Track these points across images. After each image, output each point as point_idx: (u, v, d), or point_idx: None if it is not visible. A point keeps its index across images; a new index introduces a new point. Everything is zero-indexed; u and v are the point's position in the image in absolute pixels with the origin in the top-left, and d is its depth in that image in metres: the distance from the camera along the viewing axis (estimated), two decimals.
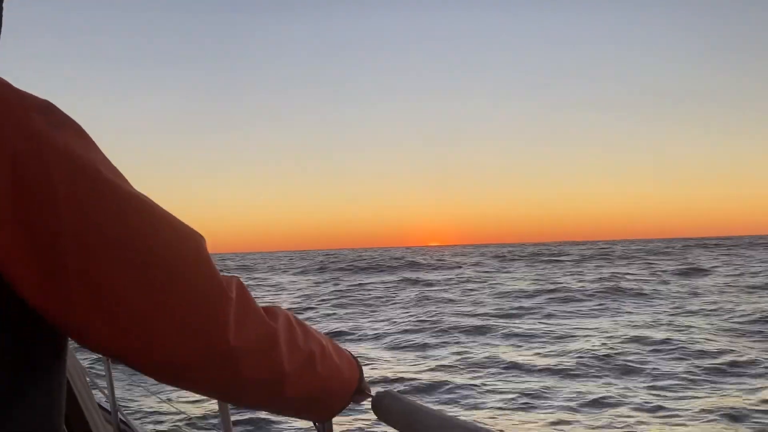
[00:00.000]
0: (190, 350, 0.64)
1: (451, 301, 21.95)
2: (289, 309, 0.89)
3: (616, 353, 11.46)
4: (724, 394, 8.72)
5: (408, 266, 48.79)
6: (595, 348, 11.92)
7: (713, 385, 9.25)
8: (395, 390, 1.00)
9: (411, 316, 18.12)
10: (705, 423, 7.48)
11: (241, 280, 0.72)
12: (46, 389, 0.62)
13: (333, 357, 0.87)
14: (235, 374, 0.69)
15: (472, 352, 12.25)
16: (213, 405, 7.60)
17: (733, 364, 10.35)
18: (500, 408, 8.48)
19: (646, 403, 8.41)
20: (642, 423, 7.60)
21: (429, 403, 8.40)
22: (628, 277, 29.64)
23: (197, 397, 8.03)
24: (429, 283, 31.05)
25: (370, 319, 18.01)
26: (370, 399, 0.99)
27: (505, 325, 15.62)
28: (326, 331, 15.61)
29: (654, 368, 10.34)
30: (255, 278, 41.64)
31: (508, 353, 12.01)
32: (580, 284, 25.64)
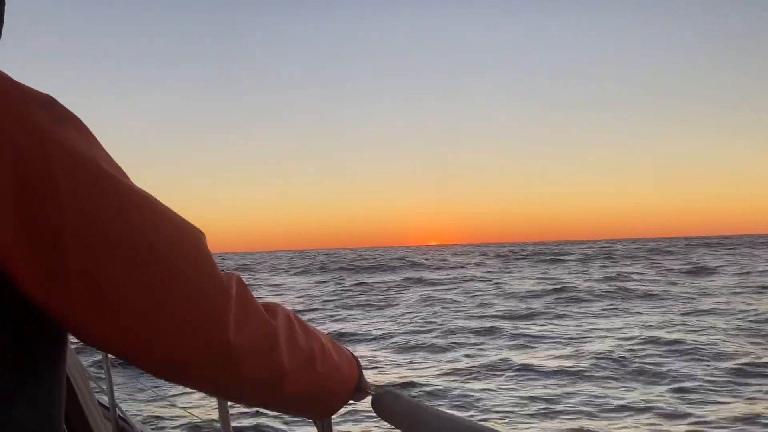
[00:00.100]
0: (191, 347, 0.64)
1: (457, 301, 21.61)
2: (295, 311, 0.84)
3: (633, 356, 11.14)
4: (750, 397, 8.40)
5: (410, 266, 48.77)
6: (611, 350, 11.58)
7: (737, 387, 8.92)
8: (395, 388, 1.00)
9: (417, 316, 17.85)
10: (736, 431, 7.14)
11: (241, 277, 0.72)
12: (46, 387, 0.62)
13: (333, 355, 0.87)
14: (235, 372, 0.69)
15: (483, 354, 11.97)
16: (212, 402, 7.74)
17: (755, 365, 10.02)
18: (515, 413, 8.16)
19: (670, 407, 8.08)
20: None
21: (441, 406, 8.09)
22: (635, 276, 29.41)
23: (196, 394, 8.26)
24: (433, 283, 30.85)
25: (375, 320, 17.73)
26: (370, 397, 0.99)
27: (515, 326, 15.31)
28: (331, 331, 15.40)
29: (672, 370, 10.03)
30: (256, 278, 41.41)
31: (521, 356, 11.71)
32: (587, 284, 25.34)
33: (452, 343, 13.27)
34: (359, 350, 12.84)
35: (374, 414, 0.98)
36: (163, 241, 0.61)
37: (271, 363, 0.73)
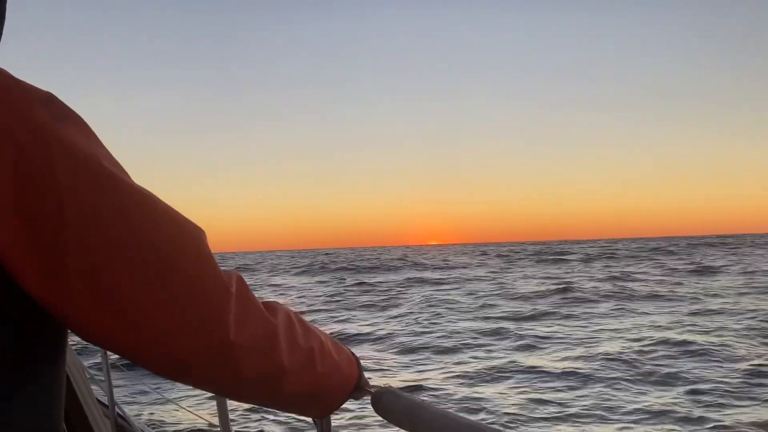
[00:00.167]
0: (191, 345, 0.64)
1: (462, 302, 21.39)
2: (296, 311, 0.84)
3: (645, 357, 10.92)
4: None
5: (412, 266, 48.71)
6: (622, 351, 11.37)
7: (754, 389, 8.70)
8: (395, 387, 1.00)
9: (421, 317, 17.63)
10: None
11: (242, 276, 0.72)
12: (47, 385, 0.62)
13: (332, 354, 0.86)
14: (234, 370, 0.69)
15: (490, 356, 11.77)
16: (211, 402, 7.77)
17: None
18: (524, 416, 7.95)
19: (685, 410, 7.87)
20: None
21: (450, 408, 7.88)
22: (640, 276, 29.22)
23: (195, 391, 8.26)
24: (435, 283, 30.68)
25: (378, 320, 17.54)
26: (369, 396, 0.98)
27: (521, 327, 15.09)
28: (334, 331, 15.25)
29: (685, 372, 9.81)
30: (257, 278, 41.31)
31: (529, 357, 11.50)
32: (592, 284, 25.14)
33: (458, 344, 13.06)
34: (363, 351, 12.70)
35: (374, 413, 0.98)
36: (164, 240, 0.60)
37: (271, 361, 0.73)
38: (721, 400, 8.33)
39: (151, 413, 7.95)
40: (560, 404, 8.39)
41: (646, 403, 8.26)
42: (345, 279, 36.30)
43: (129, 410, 2.97)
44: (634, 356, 10.99)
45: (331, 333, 14.88)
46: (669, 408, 8.01)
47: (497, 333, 14.22)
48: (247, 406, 7.75)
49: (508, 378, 9.96)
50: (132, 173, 0.63)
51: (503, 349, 12.41)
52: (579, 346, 12.38)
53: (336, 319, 18.31)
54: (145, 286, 0.59)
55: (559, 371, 10.14)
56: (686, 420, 7.59)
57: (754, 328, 13.46)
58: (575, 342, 12.83)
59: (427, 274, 37.50)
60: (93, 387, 2.42)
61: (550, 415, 7.96)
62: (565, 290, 22.80)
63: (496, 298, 22.26)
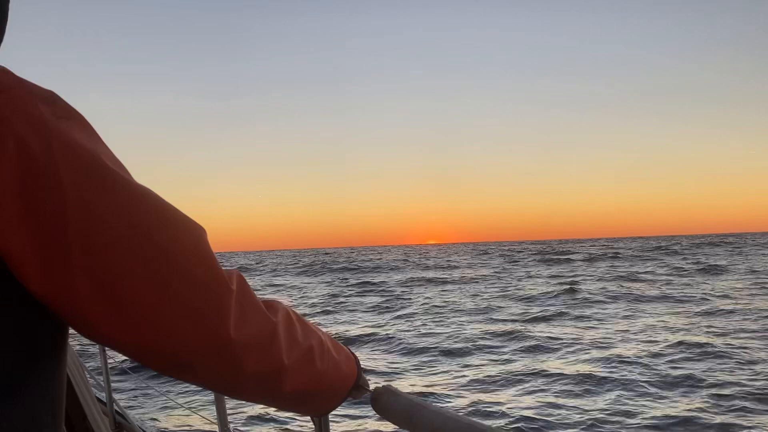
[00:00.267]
0: (191, 343, 0.64)
1: (469, 302, 21.11)
2: (297, 311, 0.84)
3: (663, 360, 10.64)
4: None
5: (413, 266, 48.51)
6: (640, 355, 11.07)
7: None
8: (394, 386, 0.99)
9: (426, 317, 17.37)
10: None
11: (242, 274, 0.72)
12: (47, 383, 0.62)
13: (332, 352, 0.87)
14: (234, 368, 0.69)
15: (505, 359, 11.48)
16: (209, 399, 7.77)
17: None
18: (539, 419, 7.68)
19: (709, 416, 7.58)
20: None
21: (460, 411, 7.60)
22: (647, 276, 28.97)
23: (193, 390, 8.34)
24: (439, 282, 30.43)
25: (381, 320, 17.30)
26: (369, 394, 0.99)
27: (534, 328, 14.84)
28: (336, 332, 15.03)
29: (707, 375, 9.52)
30: (258, 278, 41.15)
31: (543, 360, 11.22)
32: (600, 284, 24.89)
33: (467, 346, 12.79)
34: (367, 352, 12.48)
35: (373, 412, 0.97)
36: (165, 238, 0.61)
37: (270, 358, 0.73)
38: (745, 404, 8.05)
39: (150, 412, 7.94)
40: (578, 409, 8.11)
41: (671, 409, 7.98)
42: (347, 279, 36.10)
43: (127, 409, 2.95)
44: (651, 359, 10.70)
45: (335, 334, 14.63)
46: (693, 414, 7.73)
47: (508, 335, 13.96)
48: (245, 405, 7.79)
49: (521, 381, 9.69)
50: (133, 172, 0.63)
51: (514, 351, 12.14)
52: (593, 348, 12.09)
53: (338, 321, 18.08)
54: (146, 284, 0.59)
55: (574, 374, 9.87)
56: (711, 426, 7.30)
57: None
58: (588, 344, 12.55)
59: (429, 274, 37.30)
60: (92, 387, 2.44)
61: (568, 420, 7.69)
62: (572, 291, 22.52)
63: (502, 299, 21.99)
